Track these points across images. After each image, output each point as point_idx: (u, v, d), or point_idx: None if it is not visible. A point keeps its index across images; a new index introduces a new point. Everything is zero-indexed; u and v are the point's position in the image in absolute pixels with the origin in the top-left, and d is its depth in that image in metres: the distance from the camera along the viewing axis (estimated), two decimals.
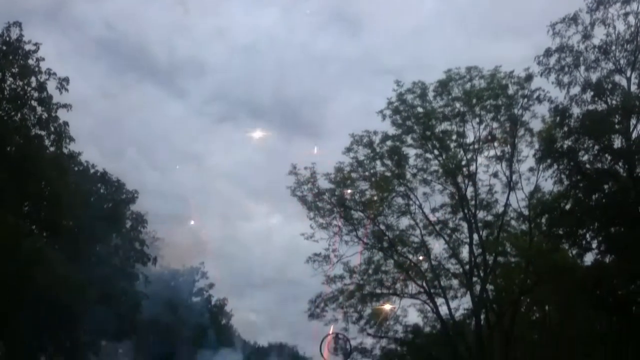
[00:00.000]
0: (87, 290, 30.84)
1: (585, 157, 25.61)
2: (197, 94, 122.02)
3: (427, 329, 39.58)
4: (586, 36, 26.86)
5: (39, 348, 33.44)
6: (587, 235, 26.00)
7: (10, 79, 26.52)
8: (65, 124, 28.20)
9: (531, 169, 31.72)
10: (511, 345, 32.39)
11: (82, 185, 32.91)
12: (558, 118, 26.54)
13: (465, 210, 33.22)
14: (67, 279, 27.92)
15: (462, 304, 35.59)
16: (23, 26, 27.16)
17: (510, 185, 32.27)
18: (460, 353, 33.62)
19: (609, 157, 25.11)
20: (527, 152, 31.74)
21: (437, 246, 34.88)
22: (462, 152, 32.97)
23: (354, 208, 34.44)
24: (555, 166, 26.95)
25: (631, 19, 26.26)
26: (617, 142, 25.13)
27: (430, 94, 32.72)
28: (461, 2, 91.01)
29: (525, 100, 31.48)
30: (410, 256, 34.86)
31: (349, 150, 34.06)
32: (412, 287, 34.98)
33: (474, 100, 31.91)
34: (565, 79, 26.65)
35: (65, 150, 29.99)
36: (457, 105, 32.47)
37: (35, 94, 27.13)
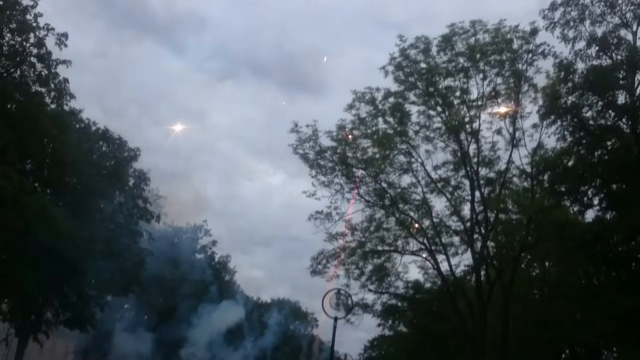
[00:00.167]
0: (92, 246, 31.19)
1: (589, 114, 25.36)
2: (197, 49, 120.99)
3: (428, 285, 40.26)
4: None
5: (45, 303, 33.95)
6: (589, 192, 25.94)
7: (9, 35, 26.01)
8: (66, 80, 27.97)
9: (534, 126, 31.64)
10: (511, 301, 32.81)
11: (84, 142, 32.84)
12: (562, 73, 26.21)
13: (468, 168, 33.24)
14: (72, 234, 28.12)
15: (462, 261, 36.12)
16: None
17: (513, 142, 32.17)
18: (460, 309, 34.09)
19: (613, 114, 24.87)
20: (531, 109, 31.63)
21: (439, 204, 35.11)
22: (465, 108, 32.76)
23: (355, 166, 34.47)
24: (559, 122, 26.73)
25: None
26: (621, 98, 24.88)
27: (434, 49, 32.40)
28: None
29: (530, 55, 31.19)
30: (412, 214, 35.06)
31: (350, 107, 33.94)
32: (413, 244, 35.38)
33: (478, 56, 31.56)
34: (570, 34, 26.15)
35: (66, 108, 29.93)
36: (461, 60, 32.14)
37: (34, 50, 26.69)
